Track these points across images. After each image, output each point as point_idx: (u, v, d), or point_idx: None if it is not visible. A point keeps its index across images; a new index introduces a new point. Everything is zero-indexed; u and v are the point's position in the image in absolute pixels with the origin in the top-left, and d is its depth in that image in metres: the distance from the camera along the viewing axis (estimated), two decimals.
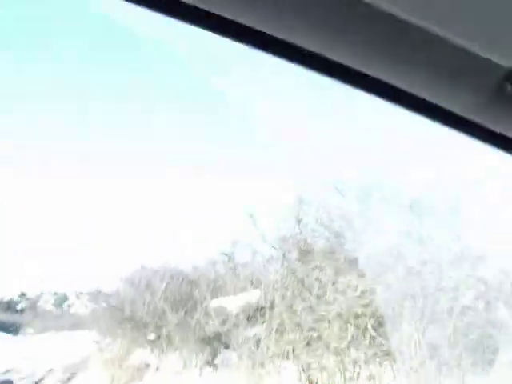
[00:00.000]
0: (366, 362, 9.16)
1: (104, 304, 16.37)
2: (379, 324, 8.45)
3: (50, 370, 16.52)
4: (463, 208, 8.11)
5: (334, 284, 9.45)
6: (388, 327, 8.44)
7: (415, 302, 8.19)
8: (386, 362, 9.01)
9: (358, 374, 9.22)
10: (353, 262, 10.20)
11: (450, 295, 8.23)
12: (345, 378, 9.19)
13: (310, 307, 9.47)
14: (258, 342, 10.64)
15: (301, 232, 11.14)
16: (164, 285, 12.87)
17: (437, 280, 8.38)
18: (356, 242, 10.46)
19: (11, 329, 30.33)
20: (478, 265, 7.90)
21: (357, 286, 9.24)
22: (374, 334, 8.66)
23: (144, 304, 13.24)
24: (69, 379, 16.22)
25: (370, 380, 9.15)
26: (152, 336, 12.72)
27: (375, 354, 8.97)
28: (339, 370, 9.22)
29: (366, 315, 8.77)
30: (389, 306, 8.64)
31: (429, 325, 7.83)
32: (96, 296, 17.08)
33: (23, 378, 15.63)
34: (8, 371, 15.65)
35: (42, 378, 16.32)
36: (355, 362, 9.13)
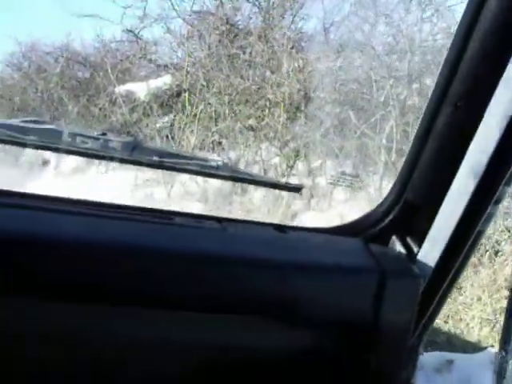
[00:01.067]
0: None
1: None
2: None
3: None
4: None
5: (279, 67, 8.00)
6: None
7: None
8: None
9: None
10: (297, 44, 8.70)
11: None
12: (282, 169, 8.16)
13: (248, 90, 8.10)
14: (173, 132, 9.30)
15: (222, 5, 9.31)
16: (59, 68, 10.84)
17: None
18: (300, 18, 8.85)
19: None
20: None
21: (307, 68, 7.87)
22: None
23: (37, 92, 11.27)
24: None
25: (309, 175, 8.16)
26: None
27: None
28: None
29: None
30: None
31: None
32: None
33: None
34: None
35: None
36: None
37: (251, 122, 8.02)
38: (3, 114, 12.58)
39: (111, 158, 0.88)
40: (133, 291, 0.73)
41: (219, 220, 0.91)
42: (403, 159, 1.14)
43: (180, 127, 9.20)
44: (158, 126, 9.40)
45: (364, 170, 6.34)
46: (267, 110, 7.85)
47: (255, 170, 7.97)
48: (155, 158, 0.87)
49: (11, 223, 0.71)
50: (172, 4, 9.17)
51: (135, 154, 0.87)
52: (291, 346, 0.87)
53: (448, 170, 1.04)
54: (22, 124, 0.88)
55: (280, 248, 0.91)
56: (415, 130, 1.13)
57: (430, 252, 1.05)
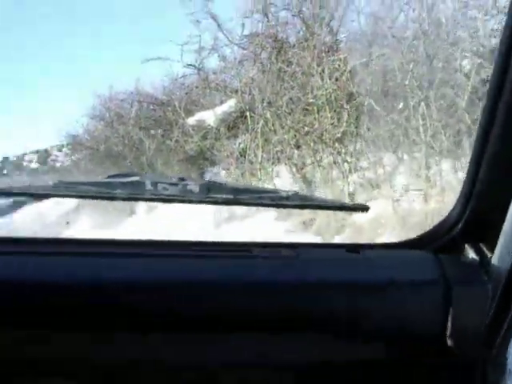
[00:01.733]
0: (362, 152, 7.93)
1: (81, 149, 14.99)
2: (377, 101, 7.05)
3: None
4: None
5: (318, 72, 7.90)
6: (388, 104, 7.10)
7: (413, 72, 6.73)
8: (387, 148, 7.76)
9: (354, 165, 8.02)
10: (333, 46, 8.57)
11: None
12: (342, 172, 8.01)
13: (294, 98, 8.04)
14: (243, 151, 9.39)
15: (269, 22, 9.31)
16: (134, 112, 11.29)
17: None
18: (336, 23, 8.73)
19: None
20: None
21: (345, 67, 7.73)
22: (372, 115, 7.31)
23: (118, 137, 11.81)
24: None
25: (369, 170, 7.93)
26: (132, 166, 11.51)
27: (374, 141, 7.70)
28: (335, 163, 8.03)
29: (361, 95, 7.36)
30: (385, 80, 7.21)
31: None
32: (73, 144, 15.59)
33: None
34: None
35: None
36: (353, 153, 7.92)
37: (303, 127, 7.96)
38: (92, 162, 13.22)
39: (190, 201, 0.89)
40: (221, 321, 0.73)
41: (294, 246, 0.89)
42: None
43: (246, 145, 9.31)
44: (229, 147, 9.54)
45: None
46: (315, 114, 7.76)
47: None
48: (230, 196, 0.87)
49: (129, 271, 0.72)
50: (224, 33, 9.33)
51: (212, 194, 0.87)
52: (365, 359, 0.84)
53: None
54: (109, 180, 0.91)
55: (352, 269, 0.88)
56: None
57: (503, 257, 0.98)
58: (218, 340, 0.73)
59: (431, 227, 1.03)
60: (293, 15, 8.97)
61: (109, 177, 0.93)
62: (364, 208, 0.98)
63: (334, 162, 7.86)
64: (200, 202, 0.87)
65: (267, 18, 9.26)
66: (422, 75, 6.75)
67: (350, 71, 7.71)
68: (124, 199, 0.87)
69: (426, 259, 0.94)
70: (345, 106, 7.50)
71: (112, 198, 0.89)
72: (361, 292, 0.80)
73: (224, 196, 0.85)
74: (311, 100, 7.65)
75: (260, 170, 9.25)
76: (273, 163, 9.16)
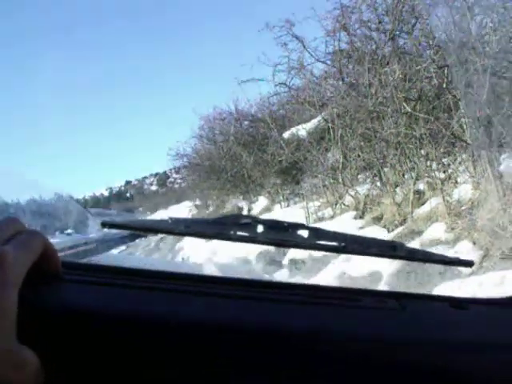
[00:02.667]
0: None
1: (190, 166, 15.60)
2: None
3: None
4: None
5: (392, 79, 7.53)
6: None
7: None
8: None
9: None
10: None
11: None
12: (415, 175, 7.55)
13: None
14: (336, 163, 9.21)
15: (350, 40, 9.08)
16: (233, 129, 11.53)
17: None
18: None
19: (128, 213, 31.54)
20: None
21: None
22: None
23: (220, 153, 12.13)
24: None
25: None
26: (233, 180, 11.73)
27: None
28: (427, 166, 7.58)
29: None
30: None
31: None
32: (187, 166, 16.21)
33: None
34: None
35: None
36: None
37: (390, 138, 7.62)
38: (202, 174, 13.68)
39: (299, 246, 0.82)
40: (316, 374, 0.64)
41: (397, 297, 0.78)
42: None
43: (327, 149, 9.19)
44: (321, 158, 9.42)
45: None
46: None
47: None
48: (336, 243, 0.78)
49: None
50: (309, 52, 9.29)
51: (320, 241, 0.80)
52: None
53: None
54: (222, 220, 0.86)
55: (455, 326, 0.75)
56: None
57: None
58: None
59: None
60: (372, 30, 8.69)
61: (222, 217, 0.89)
62: (469, 263, 0.86)
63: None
64: (309, 247, 0.79)
65: (348, 34, 9.06)
66: None
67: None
68: (236, 240, 0.81)
69: None
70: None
71: (225, 238, 0.83)
72: (465, 352, 0.68)
73: (332, 243, 0.76)
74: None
75: (350, 178, 9.02)
76: (350, 168, 8.88)
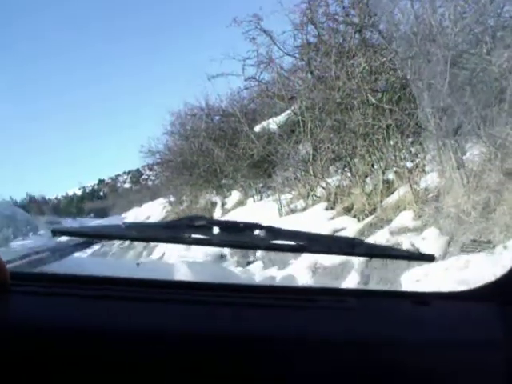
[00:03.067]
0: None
1: (163, 164, 15.42)
2: None
3: None
4: None
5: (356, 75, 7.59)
6: None
7: None
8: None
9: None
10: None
11: None
12: (384, 165, 7.64)
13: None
14: (307, 155, 9.24)
15: (318, 33, 9.09)
16: (203, 125, 11.44)
17: None
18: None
19: (102, 213, 30.79)
20: None
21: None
22: None
23: (192, 148, 12.02)
24: None
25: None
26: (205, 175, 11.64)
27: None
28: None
29: None
30: None
31: None
32: (160, 162, 15.98)
33: None
34: None
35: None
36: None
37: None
38: (175, 170, 13.53)
39: (257, 247, 0.80)
40: (280, 377, 0.63)
41: (358, 295, 0.77)
42: None
43: (297, 142, 9.22)
44: (292, 151, 9.43)
45: None
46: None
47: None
48: (294, 243, 0.77)
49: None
50: (277, 46, 9.27)
51: (278, 241, 0.78)
52: None
53: None
54: (177, 223, 0.84)
55: (417, 324, 0.75)
56: None
57: None
58: None
59: (499, 277, 0.84)
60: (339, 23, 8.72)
61: (176, 221, 0.86)
62: (430, 258, 0.86)
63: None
64: (266, 248, 0.78)
65: (316, 28, 9.06)
66: None
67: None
68: (191, 243, 0.79)
69: (492, 313, 0.77)
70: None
71: (180, 242, 0.81)
72: (426, 350, 0.67)
73: (290, 243, 0.75)
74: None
75: (321, 171, 9.06)
76: (320, 160, 8.91)
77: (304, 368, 0.62)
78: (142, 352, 0.57)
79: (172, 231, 0.83)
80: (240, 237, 0.79)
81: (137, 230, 0.83)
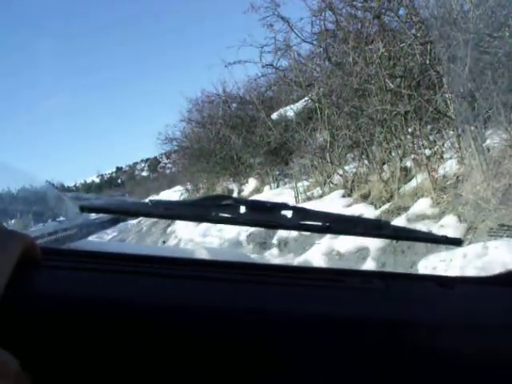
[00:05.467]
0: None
1: (180, 151, 15.47)
2: None
3: None
4: None
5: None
6: None
7: None
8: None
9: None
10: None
11: None
12: (402, 152, 7.54)
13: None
14: (324, 143, 9.18)
15: (336, 20, 8.96)
16: (221, 111, 11.41)
17: None
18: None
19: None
20: None
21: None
22: None
23: (209, 135, 12.02)
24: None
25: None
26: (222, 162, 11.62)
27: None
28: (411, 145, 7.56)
29: None
30: None
31: None
32: (175, 148, 16.05)
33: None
34: None
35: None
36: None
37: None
38: (192, 157, 13.57)
39: (283, 227, 0.79)
40: (301, 360, 0.62)
41: (383, 277, 0.76)
42: None
43: (314, 129, 9.15)
44: (308, 138, 9.37)
45: None
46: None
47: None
48: (320, 223, 0.76)
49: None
50: (295, 32, 9.18)
51: (305, 221, 0.77)
52: None
53: None
54: (204, 202, 0.83)
55: (441, 306, 0.73)
56: None
57: None
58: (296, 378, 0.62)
59: None
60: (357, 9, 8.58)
61: (203, 199, 0.85)
62: (458, 241, 0.83)
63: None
64: (293, 228, 0.77)
65: (334, 14, 8.93)
66: None
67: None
68: (217, 222, 0.78)
69: None
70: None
71: (206, 220, 0.80)
72: (450, 332, 0.66)
73: (316, 223, 0.74)
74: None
75: (338, 158, 8.99)
76: (338, 147, 8.84)
77: (331, 347, 0.62)
78: (169, 325, 0.57)
79: (199, 209, 0.83)
80: (266, 216, 0.78)
81: (164, 207, 0.83)
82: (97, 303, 0.57)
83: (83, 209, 0.79)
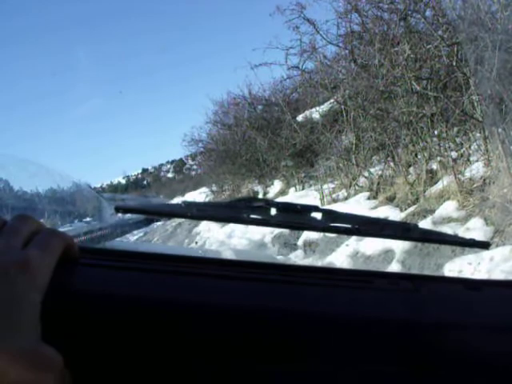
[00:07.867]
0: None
1: (205, 153, 15.60)
2: None
3: None
4: None
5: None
6: None
7: None
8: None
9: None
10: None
11: None
12: (428, 155, 7.45)
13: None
14: (350, 145, 9.15)
15: (362, 22, 8.93)
16: (246, 113, 11.49)
17: None
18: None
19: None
20: None
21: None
22: None
23: (235, 137, 12.11)
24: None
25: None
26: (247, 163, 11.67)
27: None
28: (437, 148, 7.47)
29: None
30: None
31: None
32: (201, 150, 16.19)
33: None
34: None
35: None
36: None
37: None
38: (217, 159, 13.69)
39: (313, 228, 0.83)
40: (330, 360, 0.64)
41: (411, 278, 0.77)
42: None
43: (340, 131, 9.12)
44: (334, 140, 9.36)
45: None
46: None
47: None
48: (350, 226, 0.79)
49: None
50: (321, 35, 9.19)
51: (335, 223, 0.80)
52: None
53: None
54: (236, 203, 0.87)
55: (469, 308, 0.74)
56: None
57: None
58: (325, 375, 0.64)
59: None
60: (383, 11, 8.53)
61: (235, 200, 0.89)
62: (485, 245, 0.85)
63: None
64: (323, 230, 0.80)
65: (360, 16, 8.90)
66: None
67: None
68: (249, 223, 0.82)
69: None
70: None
71: (238, 222, 0.84)
72: (479, 334, 0.68)
73: (345, 225, 0.77)
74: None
75: (363, 160, 8.95)
76: (363, 149, 8.79)
77: (361, 347, 0.65)
78: (205, 324, 0.58)
79: (231, 211, 0.86)
80: (297, 218, 0.82)
81: (197, 208, 0.86)
82: (137, 302, 0.58)
83: (118, 209, 0.83)
